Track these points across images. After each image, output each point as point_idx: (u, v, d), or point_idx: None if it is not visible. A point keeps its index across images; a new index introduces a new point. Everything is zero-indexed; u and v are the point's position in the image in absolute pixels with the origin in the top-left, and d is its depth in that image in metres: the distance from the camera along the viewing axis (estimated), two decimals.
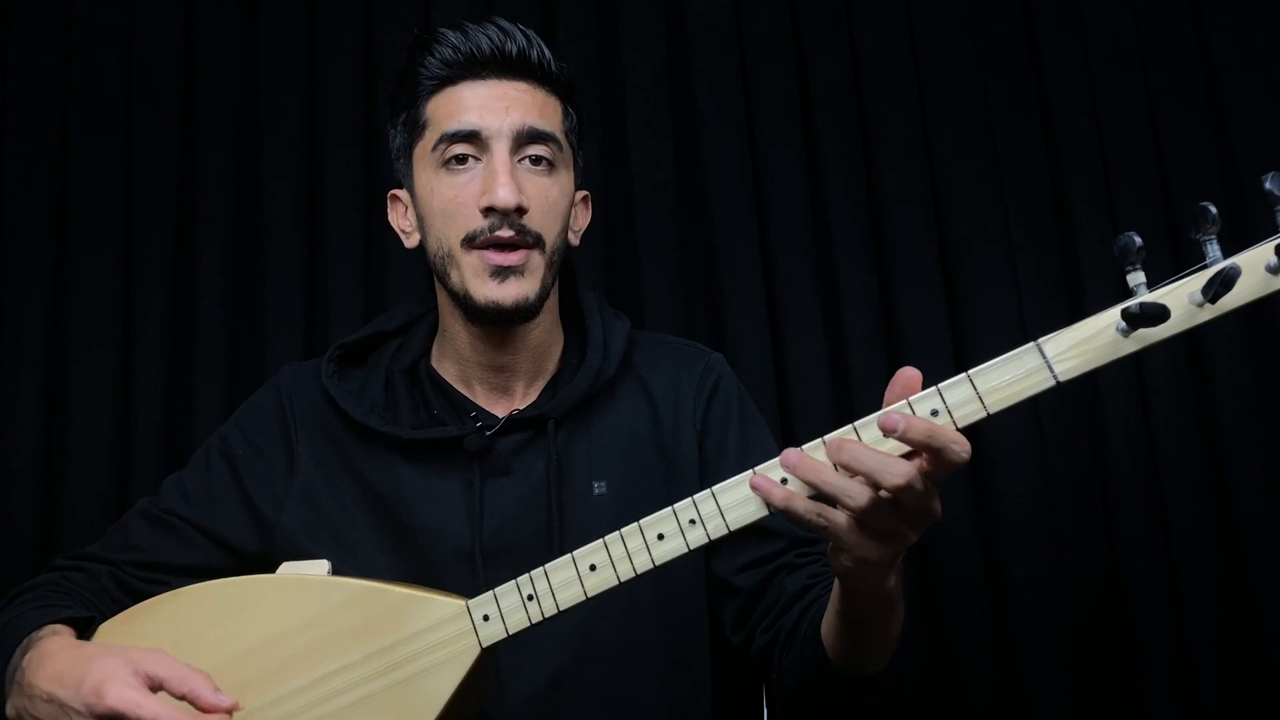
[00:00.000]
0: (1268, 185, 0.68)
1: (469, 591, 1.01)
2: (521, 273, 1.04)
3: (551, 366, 1.16)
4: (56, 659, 0.88)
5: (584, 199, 1.19)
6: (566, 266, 1.17)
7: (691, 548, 0.83)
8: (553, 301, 1.14)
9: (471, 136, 1.05)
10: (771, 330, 1.77)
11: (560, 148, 1.09)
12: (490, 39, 1.06)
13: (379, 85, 1.83)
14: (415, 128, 1.10)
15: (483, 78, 1.07)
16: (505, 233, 1.03)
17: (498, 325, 1.08)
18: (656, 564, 0.83)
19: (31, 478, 1.67)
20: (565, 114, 1.12)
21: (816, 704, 1.00)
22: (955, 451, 0.75)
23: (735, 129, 1.82)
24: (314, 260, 1.80)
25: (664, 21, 1.86)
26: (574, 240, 1.16)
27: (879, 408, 1.79)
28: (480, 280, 1.04)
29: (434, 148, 1.07)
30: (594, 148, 1.75)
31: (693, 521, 0.83)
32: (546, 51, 1.09)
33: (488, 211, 1.03)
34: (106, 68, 1.81)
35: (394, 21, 1.85)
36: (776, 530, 1.08)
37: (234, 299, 1.78)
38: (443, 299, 1.13)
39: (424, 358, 1.18)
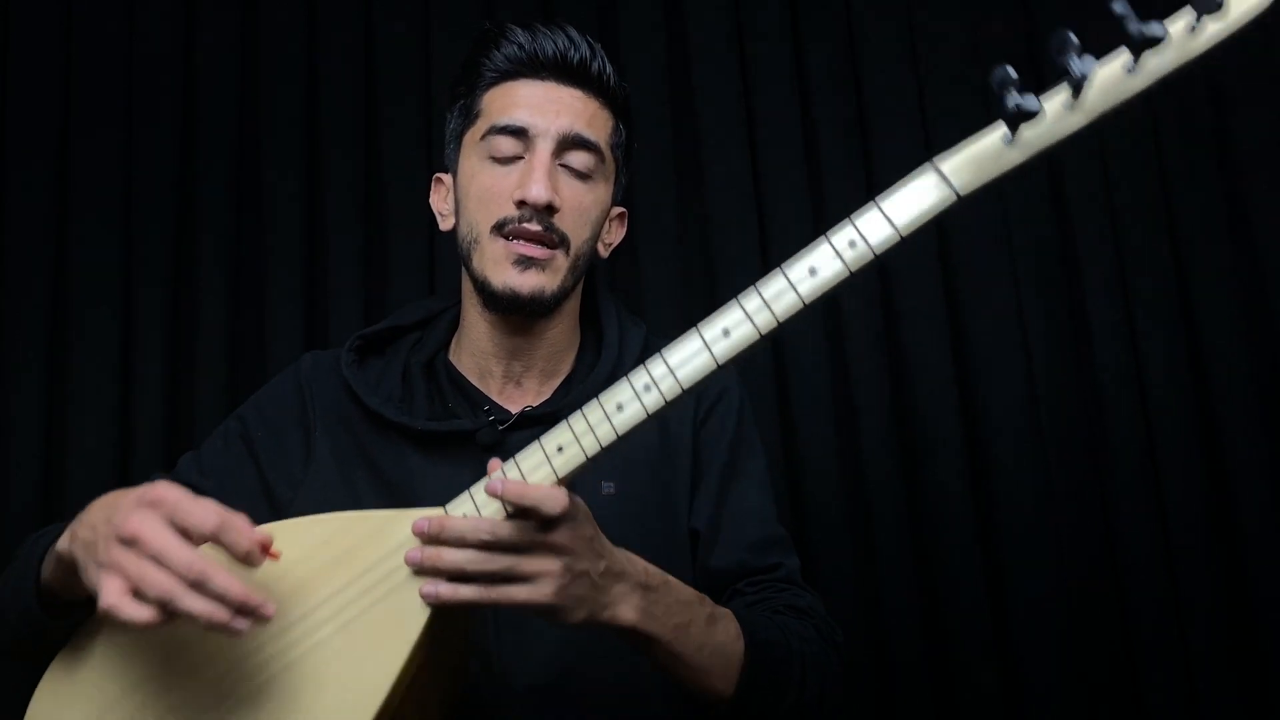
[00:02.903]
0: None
1: None
2: (543, 267, 1.07)
3: (566, 367, 1.17)
4: (93, 510, 0.89)
5: (620, 215, 1.22)
6: (590, 274, 1.19)
7: (650, 412, 0.83)
8: (573, 305, 1.17)
9: (519, 132, 1.08)
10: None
11: (602, 159, 1.12)
12: (556, 44, 1.10)
13: (379, 84, 1.84)
14: (469, 115, 1.13)
15: (541, 79, 1.10)
16: (533, 226, 1.06)
17: (512, 315, 1.10)
18: (619, 434, 0.84)
19: (31, 478, 1.67)
20: (615, 129, 1.15)
21: None
22: (548, 507, 0.81)
23: (735, 129, 1.82)
24: (314, 260, 1.80)
25: (664, 21, 1.87)
26: (603, 252, 1.19)
27: (879, 408, 1.80)
28: (502, 267, 1.07)
29: (483, 137, 1.10)
30: None
31: (647, 387, 0.84)
32: (609, 66, 1.13)
33: (520, 204, 1.06)
34: (107, 67, 1.81)
35: (394, 20, 1.85)
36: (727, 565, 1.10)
37: (234, 298, 1.78)
38: (465, 286, 1.15)
39: (442, 351, 1.20)
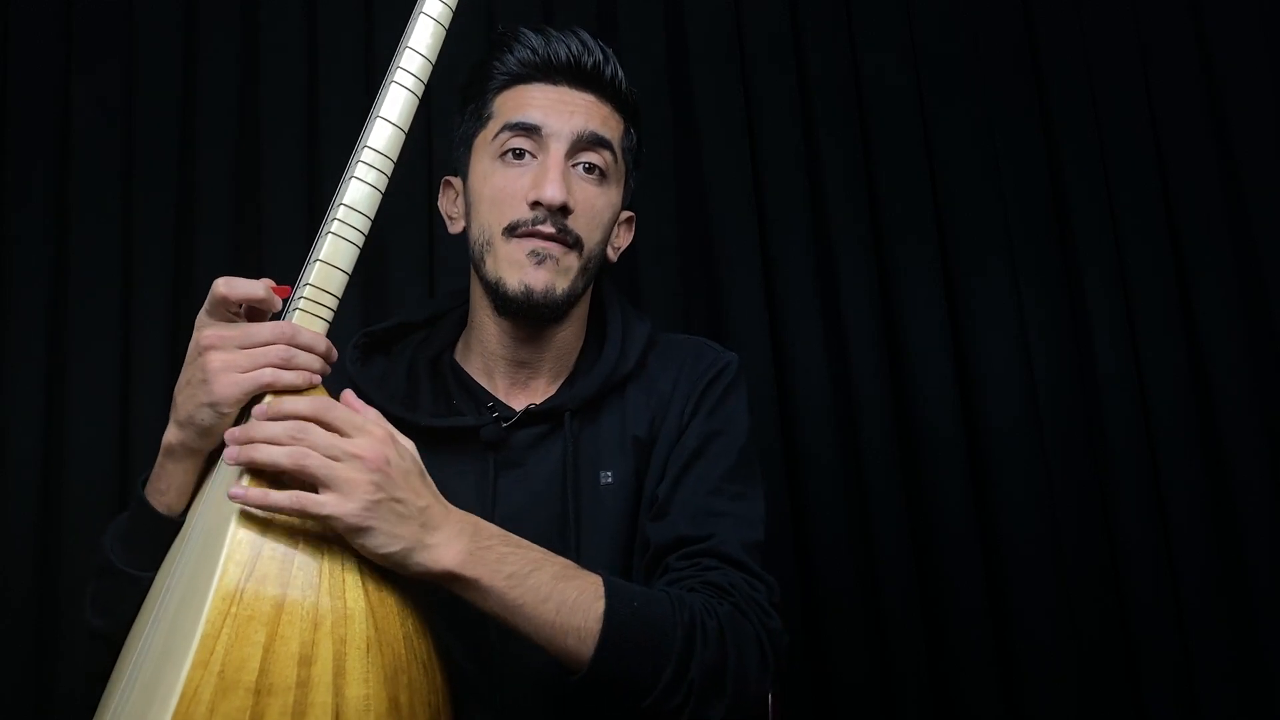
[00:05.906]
0: None
1: None
2: (557, 262, 1.07)
3: (571, 365, 1.18)
4: (178, 399, 0.99)
5: (628, 220, 1.22)
6: (598, 276, 1.19)
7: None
8: (581, 310, 1.17)
9: (532, 130, 1.08)
10: (771, 330, 1.77)
11: (615, 159, 1.12)
12: (569, 48, 1.10)
13: (379, 83, 1.83)
14: (480, 118, 1.13)
15: (554, 83, 1.10)
16: (547, 228, 1.06)
17: (523, 317, 1.10)
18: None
19: (31, 478, 1.67)
20: (626, 132, 1.15)
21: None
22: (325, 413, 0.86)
23: (735, 129, 1.82)
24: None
25: (664, 22, 1.87)
26: (612, 257, 1.18)
27: (879, 408, 1.80)
28: (517, 267, 1.06)
29: (495, 137, 1.10)
30: None
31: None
32: (620, 72, 1.13)
33: (534, 205, 1.06)
34: (108, 65, 1.81)
35: (394, 21, 1.85)
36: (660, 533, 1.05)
37: None
38: (475, 289, 1.15)
39: (449, 350, 1.20)
